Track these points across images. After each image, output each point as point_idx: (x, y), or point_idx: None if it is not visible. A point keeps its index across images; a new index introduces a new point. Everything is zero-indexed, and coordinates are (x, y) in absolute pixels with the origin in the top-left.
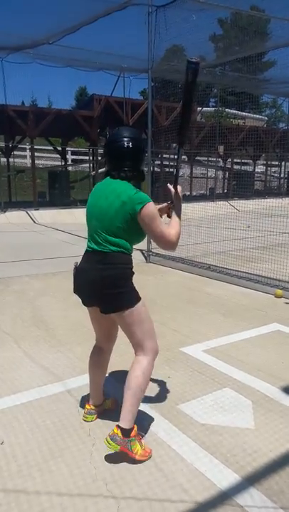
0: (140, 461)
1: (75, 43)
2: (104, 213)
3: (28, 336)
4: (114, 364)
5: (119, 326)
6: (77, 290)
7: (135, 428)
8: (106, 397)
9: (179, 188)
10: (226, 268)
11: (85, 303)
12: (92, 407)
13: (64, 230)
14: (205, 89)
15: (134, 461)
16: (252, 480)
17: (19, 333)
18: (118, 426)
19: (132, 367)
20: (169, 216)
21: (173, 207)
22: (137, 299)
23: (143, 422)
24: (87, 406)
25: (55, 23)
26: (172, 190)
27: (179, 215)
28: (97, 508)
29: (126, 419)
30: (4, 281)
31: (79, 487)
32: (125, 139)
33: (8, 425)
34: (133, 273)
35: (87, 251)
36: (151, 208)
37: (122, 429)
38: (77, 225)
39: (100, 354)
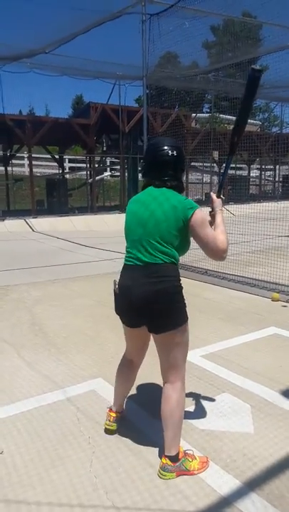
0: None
1: (71, 52)
2: (155, 217)
3: (27, 344)
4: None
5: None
6: (122, 310)
7: (181, 449)
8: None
9: (219, 200)
10: (223, 273)
11: (131, 324)
12: (118, 415)
13: (62, 238)
14: (198, 95)
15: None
16: (253, 485)
17: (18, 341)
18: (165, 456)
19: (169, 395)
20: (211, 225)
21: (213, 216)
22: (187, 316)
23: (142, 427)
24: (111, 414)
25: (51, 33)
26: (215, 199)
27: (222, 224)
28: None
29: (171, 448)
30: (2, 289)
31: (80, 496)
32: (167, 148)
33: (8, 434)
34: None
35: (129, 266)
36: (202, 213)
37: (168, 457)
38: (76, 232)
39: (130, 367)
